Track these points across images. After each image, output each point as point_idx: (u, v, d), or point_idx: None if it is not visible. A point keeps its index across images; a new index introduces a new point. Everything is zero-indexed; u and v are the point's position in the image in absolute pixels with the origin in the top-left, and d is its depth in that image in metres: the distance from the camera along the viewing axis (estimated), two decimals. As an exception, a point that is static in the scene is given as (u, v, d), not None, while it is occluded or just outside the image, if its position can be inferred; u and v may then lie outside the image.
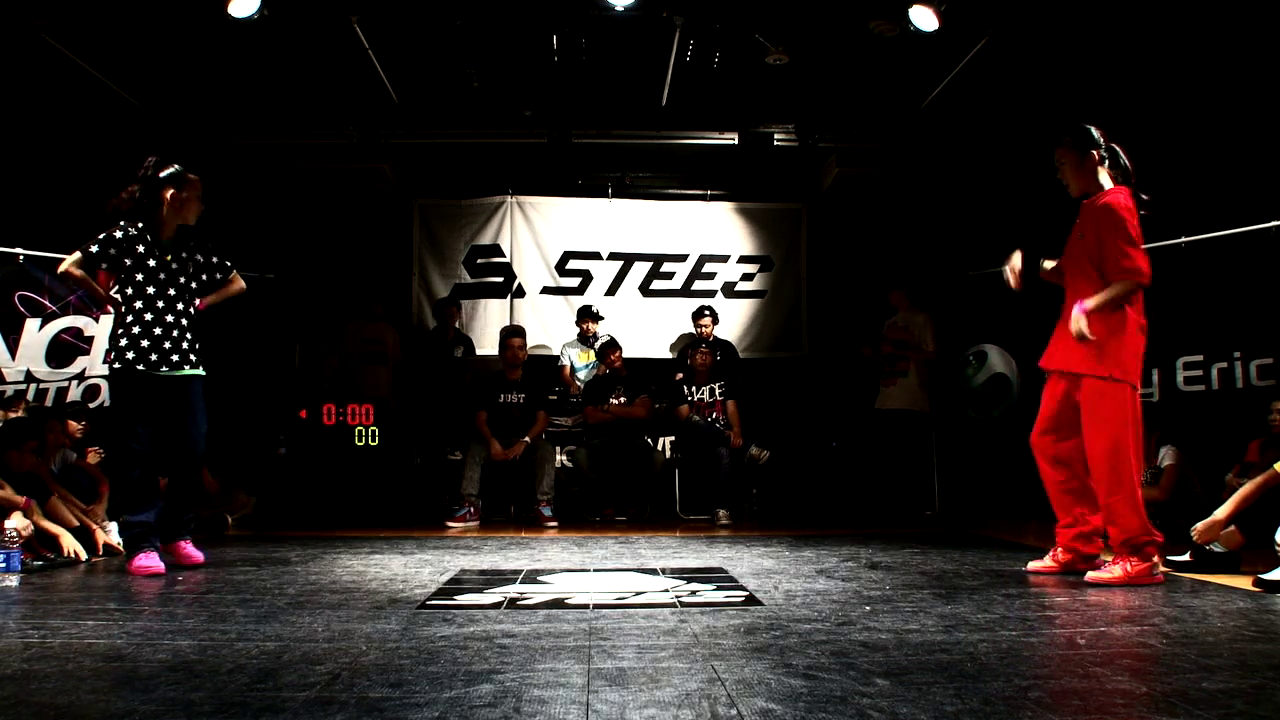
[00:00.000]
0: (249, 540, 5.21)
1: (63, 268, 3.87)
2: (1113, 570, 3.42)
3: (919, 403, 6.83)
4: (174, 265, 3.93)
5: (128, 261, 3.85)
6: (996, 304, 6.81)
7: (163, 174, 3.91)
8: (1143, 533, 3.42)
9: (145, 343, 3.82)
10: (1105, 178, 3.60)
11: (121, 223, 3.88)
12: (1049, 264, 3.86)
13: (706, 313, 7.34)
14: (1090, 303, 3.45)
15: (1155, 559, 3.47)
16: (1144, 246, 3.47)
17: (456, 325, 7.64)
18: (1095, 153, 3.59)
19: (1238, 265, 5.73)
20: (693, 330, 7.40)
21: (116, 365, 3.82)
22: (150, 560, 3.73)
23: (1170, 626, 2.57)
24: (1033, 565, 3.81)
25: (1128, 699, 1.83)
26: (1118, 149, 3.66)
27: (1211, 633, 2.51)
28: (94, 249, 3.83)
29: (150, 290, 3.86)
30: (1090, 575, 3.47)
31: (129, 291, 3.86)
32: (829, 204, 8.09)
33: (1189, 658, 2.17)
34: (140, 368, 3.81)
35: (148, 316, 3.84)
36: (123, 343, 3.82)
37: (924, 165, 7.62)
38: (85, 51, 5.98)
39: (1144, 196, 3.57)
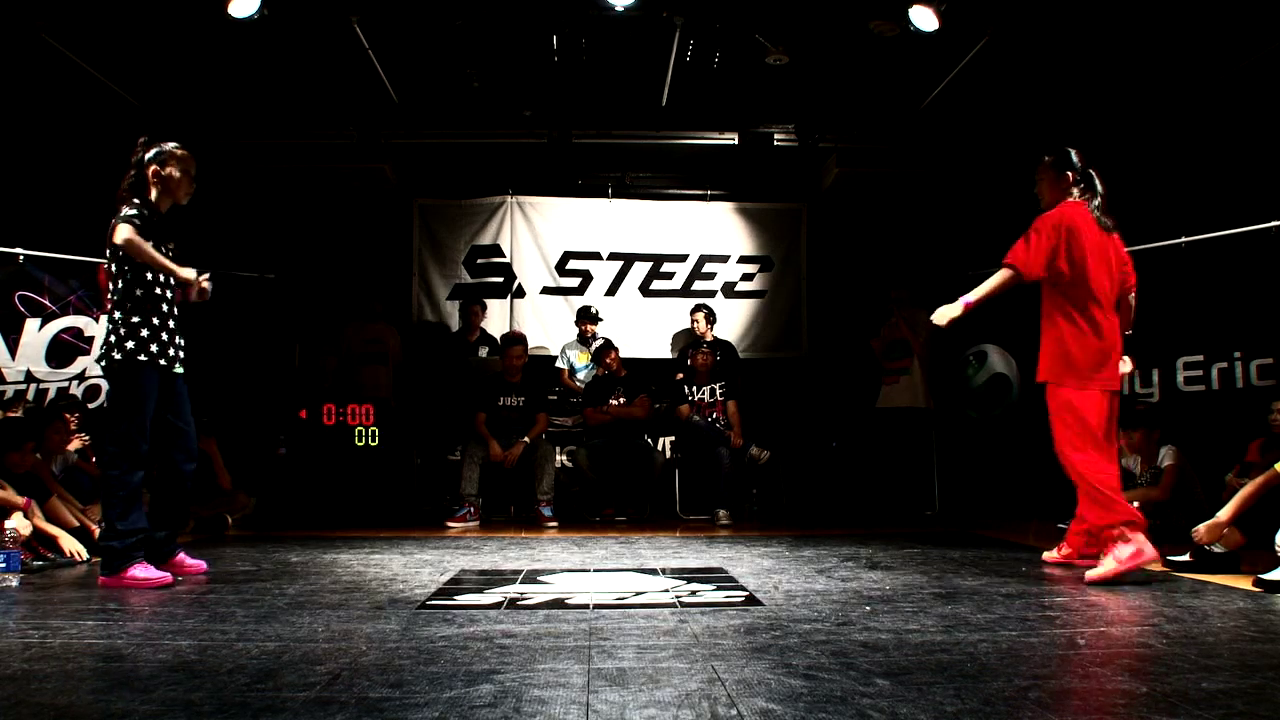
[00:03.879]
0: (249, 540, 5.21)
1: (126, 238, 3.38)
2: (1106, 564, 3.45)
3: (921, 399, 6.85)
4: (171, 254, 3.66)
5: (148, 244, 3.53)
6: (997, 304, 6.81)
7: (149, 154, 3.65)
8: (1108, 523, 3.49)
9: (164, 336, 3.57)
10: (1073, 195, 3.85)
11: (136, 200, 3.56)
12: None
13: (701, 310, 7.36)
14: (970, 295, 3.83)
15: (1135, 537, 3.45)
16: (1044, 256, 3.68)
17: (482, 325, 7.63)
18: (1070, 174, 3.86)
19: (1238, 265, 5.73)
20: (697, 330, 7.44)
21: (141, 357, 3.49)
22: (148, 571, 3.45)
23: (1170, 626, 2.57)
24: (1045, 555, 4.07)
25: (1128, 699, 1.83)
26: (1093, 173, 3.86)
27: (1211, 633, 2.51)
28: (139, 223, 3.44)
29: (161, 279, 3.59)
30: (1088, 575, 3.48)
31: (148, 277, 3.55)
32: (829, 204, 8.09)
33: (1189, 658, 2.16)
34: (161, 362, 3.55)
35: (164, 307, 3.60)
36: (144, 333, 3.51)
37: (924, 165, 7.62)
38: (85, 51, 5.97)
39: (1107, 220, 3.85)
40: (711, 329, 7.40)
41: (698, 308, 7.40)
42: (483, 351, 7.49)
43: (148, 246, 3.45)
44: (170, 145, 3.70)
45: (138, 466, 3.50)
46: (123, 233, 3.41)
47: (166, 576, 3.47)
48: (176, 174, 3.68)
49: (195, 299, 3.80)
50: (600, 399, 6.79)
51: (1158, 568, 3.82)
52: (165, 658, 2.21)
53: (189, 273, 3.57)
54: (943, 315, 3.84)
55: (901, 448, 6.86)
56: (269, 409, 6.88)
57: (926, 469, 6.99)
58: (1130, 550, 3.42)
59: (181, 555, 3.83)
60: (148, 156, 3.66)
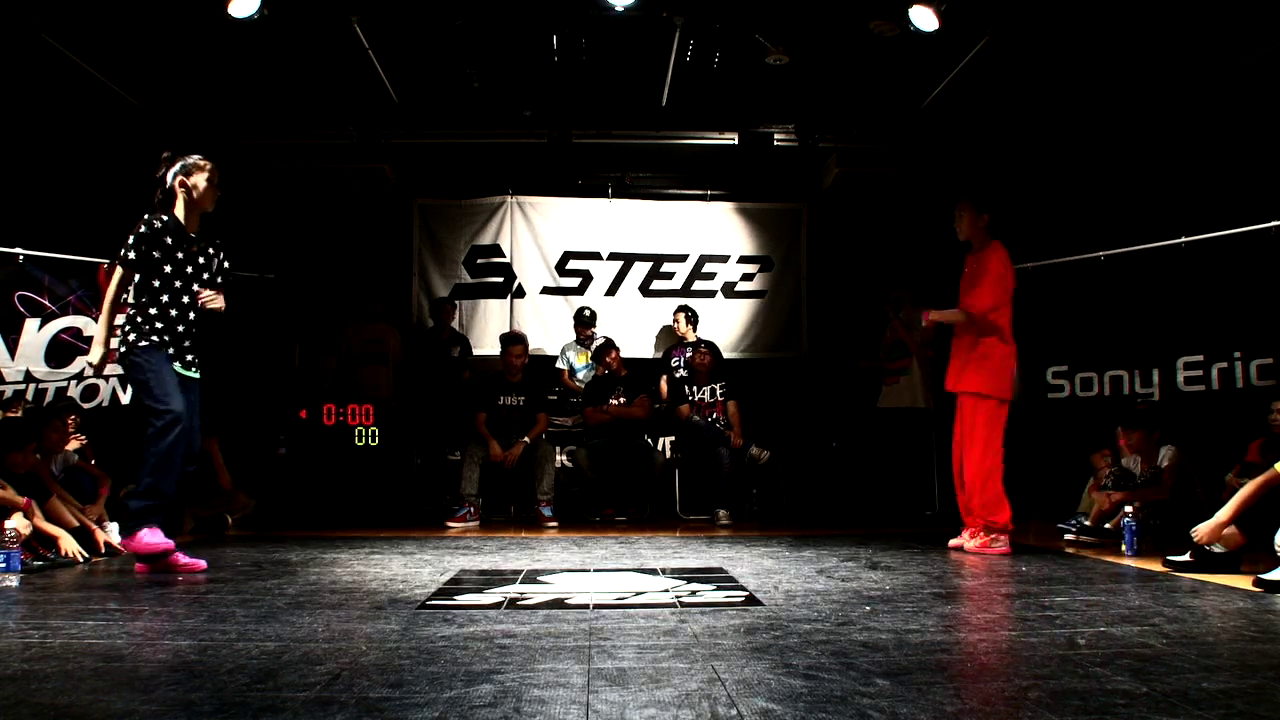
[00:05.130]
0: (249, 540, 5.21)
1: (113, 292, 3.72)
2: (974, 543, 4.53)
3: (921, 399, 6.85)
4: (199, 261, 3.85)
5: (156, 254, 3.72)
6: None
7: (174, 168, 3.82)
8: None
9: (168, 337, 3.74)
10: (986, 233, 4.67)
11: (146, 215, 3.75)
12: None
13: (683, 312, 7.38)
14: (934, 314, 4.77)
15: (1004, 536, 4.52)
16: (1009, 300, 4.58)
17: (453, 324, 7.65)
18: (986, 216, 4.65)
19: (1238, 265, 5.73)
20: (678, 330, 7.46)
21: (144, 343, 3.68)
22: (156, 536, 3.59)
23: (1170, 626, 2.57)
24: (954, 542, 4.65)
25: (1128, 699, 1.82)
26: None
27: (1211, 633, 2.51)
28: (131, 254, 3.68)
29: (176, 285, 3.76)
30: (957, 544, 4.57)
31: (155, 284, 3.73)
32: (829, 204, 8.09)
33: (1189, 658, 2.16)
34: (170, 351, 3.73)
35: (172, 312, 3.75)
36: (145, 327, 3.71)
37: (924, 165, 7.62)
38: (85, 51, 5.97)
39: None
40: (694, 329, 7.41)
41: (680, 309, 7.46)
42: (454, 351, 7.49)
43: (110, 307, 3.77)
44: (194, 157, 3.86)
45: (174, 423, 3.61)
46: (114, 283, 3.73)
47: (169, 543, 3.65)
48: (202, 184, 3.83)
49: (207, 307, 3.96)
50: (600, 398, 6.79)
51: (1158, 567, 3.83)
52: (165, 658, 2.21)
53: (96, 355, 3.78)
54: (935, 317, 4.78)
55: (902, 448, 6.86)
56: (269, 409, 6.88)
57: (926, 469, 6.98)
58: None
59: (177, 554, 3.83)
60: (174, 170, 3.81)
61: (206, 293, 3.87)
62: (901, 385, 6.90)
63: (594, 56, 6.50)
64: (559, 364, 7.60)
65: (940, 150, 7.54)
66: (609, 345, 7.03)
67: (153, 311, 3.71)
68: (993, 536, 4.48)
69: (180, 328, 3.77)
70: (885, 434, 6.95)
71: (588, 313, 7.55)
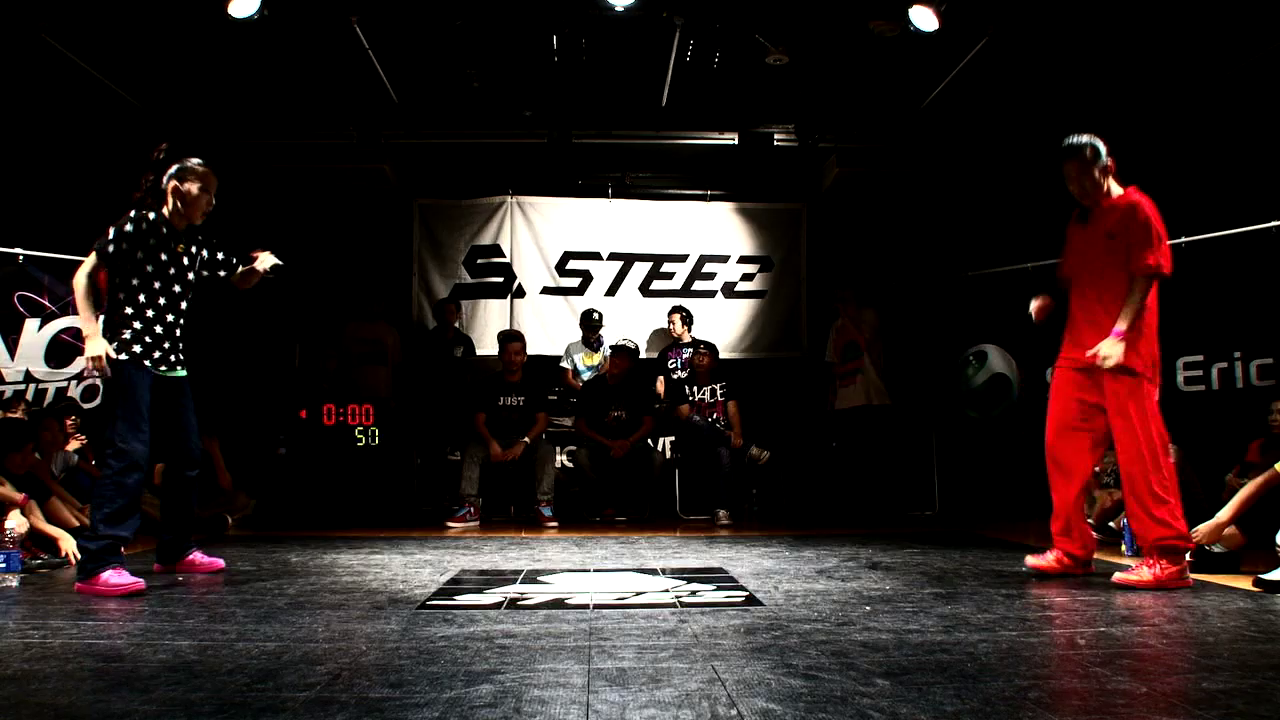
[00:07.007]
0: (249, 540, 5.21)
1: (78, 280, 3.43)
2: (1141, 573, 3.37)
3: (876, 397, 6.86)
4: (184, 261, 3.68)
5: (139, 254, 3.52)
6: (996, 304, 6.83)
7: (171, 167, 3.63)
8: (1176, 535, 3.37)
9: (148, 339, 3.54)
10: (1114, 184, 3.64)
11: (133, 213, 3.53)
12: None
13: (678, 312, 7.38)
14: (1123, 325, 3.44)
15: (1185, 561, 3.40)
16: (1168, 242, 3.47)
17: (456, 325, 7.65)
18: (1111, 161, 3.62)
19: (1238, 265, 5.73)
20: (673, 331, 7.46)
21: (123, 356, 3.45)
22: (123, 577, 3.27)
23: (1170, 626, 2.57)
24: (1032, 562, 3.70)
25: (1128, 699, 1.82)
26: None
27: (1211, 633, 2.51)
28: (110, 249, 3.46)
29: (156, 285, 3.57)
30: (1118, 577, 3.40)
31: (134, 283, 3.52)
32: (829, 204, 8.09)
33: (1189, 658, 2.17)
34: (146, 364, 3.52)
35: (149, 313, 3.55)
36: (126, 335, 3.48)
37: (924, 165, 7.62)
38: (85, 52, 5.97)
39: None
40: (689, 330, 7.41)
41: (675, 309, 7.47)
42: (457, 351, 7.49)
43: (85, 300, 3.43)
44: (194, 161, 3.68)
45: (132, 469, 3.38)
46: (81, 270, 3.44)
47: (139, 583, 3.31)
48: (195, 190, 3.65)
49: (260, 276, 4.05)
50: (595, 409, 6.74)
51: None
52: (165, 658, 2.21)
53: (97, 347, 3.40)
54: (1113, 358, 3.43)
55: (866, 445, 6.86)
56: (269, 409, 6.88)
57: (926, 469, 6.99)
58: (1174, 570, 3.36)
59: (195, 554, 3.86)
60: (170, 172, 3.64)
61: (263, 256, 3.97)
62: (858, 385, 6.91)
63: (594, 56, 6.50)
64: (564, 363, 7.59)
65: (940, 150, 7.54)
66: (634, 353, 6.88)
67: (129, 311, 3.51)
68: (1173, 557, 3.38)
69: (160, 329, 3.58)
70: (847, 434, 6.95)
71: (596, 315, 7.54)
